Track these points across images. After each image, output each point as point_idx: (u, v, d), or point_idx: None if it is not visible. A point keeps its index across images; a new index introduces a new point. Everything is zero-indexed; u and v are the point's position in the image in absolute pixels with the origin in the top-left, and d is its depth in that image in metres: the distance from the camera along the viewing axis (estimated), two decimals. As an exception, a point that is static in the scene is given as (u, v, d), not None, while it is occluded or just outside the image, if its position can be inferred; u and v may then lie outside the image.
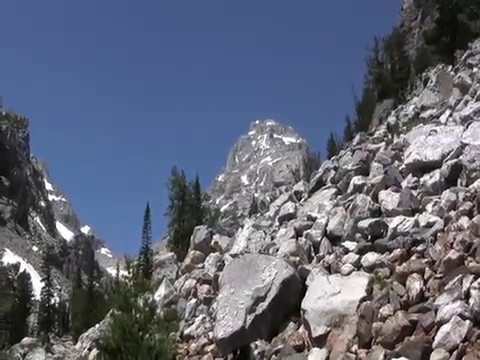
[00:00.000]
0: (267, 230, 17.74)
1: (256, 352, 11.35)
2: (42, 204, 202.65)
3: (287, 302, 11.78)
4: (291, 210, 17.09)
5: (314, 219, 14.49)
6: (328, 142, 41.37)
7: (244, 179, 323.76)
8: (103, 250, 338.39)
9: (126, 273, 19.76)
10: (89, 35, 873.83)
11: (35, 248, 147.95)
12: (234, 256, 16.46)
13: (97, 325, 35.91)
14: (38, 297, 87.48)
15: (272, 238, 16.38)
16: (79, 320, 68.76)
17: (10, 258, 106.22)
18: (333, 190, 16.04)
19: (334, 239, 13.22)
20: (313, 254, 13.26)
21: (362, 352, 9.21)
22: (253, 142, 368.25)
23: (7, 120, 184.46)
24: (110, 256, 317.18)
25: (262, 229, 17.96)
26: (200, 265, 19.86)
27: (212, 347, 12.87)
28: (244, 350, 11.62)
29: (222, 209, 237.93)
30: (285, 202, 18.49)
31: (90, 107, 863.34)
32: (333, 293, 10.52)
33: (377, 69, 40.06)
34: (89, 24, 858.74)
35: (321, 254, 12.92)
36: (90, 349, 30.17)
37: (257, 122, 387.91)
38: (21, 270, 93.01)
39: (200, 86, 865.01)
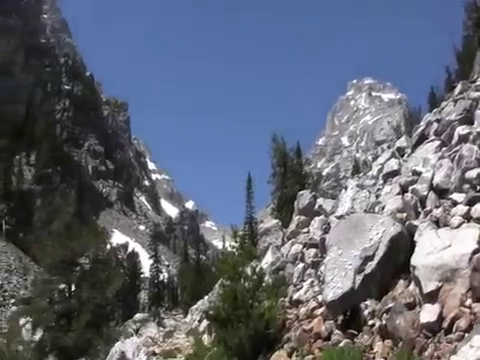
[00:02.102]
0: (371, 189, 17.37)
1: (366, 312, 11.20)
2: (146, 184, 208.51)
3: (396, 260, 11.52)
4: (395, 167, 16.63)
5: (419, 174, 14.04)
6: (429, 95, 40.23)
7: (344, 140, 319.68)
8: (208, 223, 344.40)
9: (233, 243, 19.90)
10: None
11: (142, 227, 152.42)
12: (340, 218, 16.26)
13: (206, 297, 36.59)
14: (147, 274, 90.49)
15: (377, 197, 16.02)
16: (188, 293, 70.52)
17: (119, 238, 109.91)
18: (437, 143, 15.45)
19: (441, 192, 12.77)
20: (420, 209, 12.85)
21: (477, 306, 8.89)
22: (352, 102, 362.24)
23: (108, 105, 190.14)
24: (215, 229, 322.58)
25: (366, 188, 17.62)
26: (305, 230, 19.77)
27: (322, 310, 12.79)
28: (354, 311, 11.50)
29: (324, 172, 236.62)
30: (388, 159, 18.01)
31: (187, 79, 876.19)
32: (443, 247, 10.17)
33: (476, 14, 38.20)
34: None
35: (428, 208, 12.51)
36: (200, 321, 30.81)
37: (355, 81, 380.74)
38: (130, 249, 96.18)
39: (295, 51, 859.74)
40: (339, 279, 11.80)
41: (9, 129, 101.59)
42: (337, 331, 11.54)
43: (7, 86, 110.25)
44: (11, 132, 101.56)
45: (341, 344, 10.80)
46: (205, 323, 25.78)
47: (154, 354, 24.32)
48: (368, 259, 11.63)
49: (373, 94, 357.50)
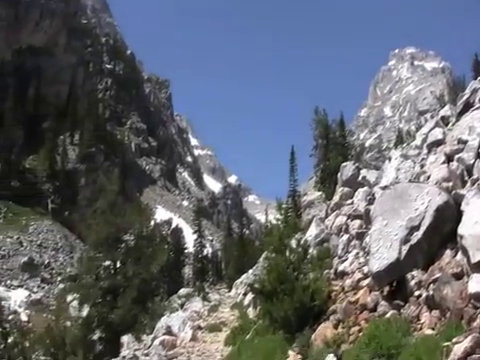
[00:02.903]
0: (416, 159, 17.10)
1: (413, 282, 11.04)
2: (189, 159, 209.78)
3: (442, 229, 11.29)
4: (439, 136, 16.29)
5: (465, 142, 13.70)
6: (473, 62, 39.29)
7: (387, 111, 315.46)
8: (251, 197, 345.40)
9: (278, 216, 19.82)
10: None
11: (185, 203, 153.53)
12: (384, 188, 16.04)
13: (250, 271, 36.77)
14: (191, 249, 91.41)
15: (422, 166, 15.74)
16: (232, 267, 71.08)
17: (162, 214, 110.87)
18: (483, 110, 15.06)
19: (488, 160, 12.47)
20: (466, 178, 12.57)
21: (526, 274, 8.69)
22: (394, 72, 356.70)
23: (149, 83, 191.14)
24: (258, 202, 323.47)
25: (410, 159, 17.36)
26: (349, 201, 19.64)
27: (367, 281, 12.67)
28: (400, 281, 11.35)
29: (367, 144, 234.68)
30: (432, 129, 17.67)
31: (229, 52, 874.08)
32: (491, 216, 9.92)
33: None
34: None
35: (475, 177, 12.22)
36: (245, 294, 30.99)
37: (396, 51, 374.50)
38: (173, 225, 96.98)
39: (337, 22, 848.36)
40: (385, 250, 11.64)
41: (53, 110, 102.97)
42: (383, 302, 11.41)
43: (50, 68, 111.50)
44: (55, 113, 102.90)
45: (387, 315, 10.69)
46: (250, 296, 25.90)
47: (199, 328, 24.55)
48: (414, 229, 11.43)
49: (415, 63, 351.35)
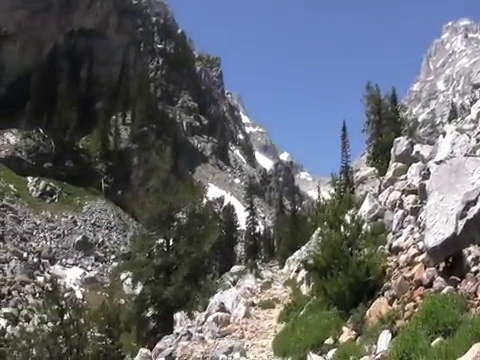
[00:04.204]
0: (471, 133, 16.70)
1: (469, 258, 10.80)
2: (240, 137, 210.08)
3: (501, 204, 11.02)
4: (495, 109, 15.91)
5: (523, 114, 13.35)
6: None
7: (440, 85, 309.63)
8: (302, 174, 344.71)
9: (332, 191, 19.67)
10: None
11: (237, 180, 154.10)
12: (439, 163, 15.71)
13: (303, 247, 36.73)
14: (243, 227, 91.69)
15: (478, 140, 15.38)
16: (284, 244, 71.18)
17: (214, 192, 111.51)
18: None
19: None
20: (525, 150, 12.25)
21: None
22: (447, 45, 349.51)
23: (200, 61, 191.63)
24: (310, 179, 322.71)
25: (465, 132, 16.96)
26: (403, 177, 19.37)
27: (422, 257, 12.46)
28: (457, 257, 11.12)
29: (420, 119, 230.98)
30: (488, 101, 17.26)
31: (279, 27, 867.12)
32: None
33: None
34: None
35: None
36: (297, 271, 30.98)
37: (450, 24, 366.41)
38: (226, 203, 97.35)
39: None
40: (441, 225, 11.41)
41: (105, 91, 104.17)
42: (439, 278, 11.22)
43: (102, 49, 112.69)
44: (107, 94, 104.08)
45: (443, 291, 10.50)
46: (303, 273, 25.88)
47: (253, 305, 24.67)
48: (471, 204, 11.16)
49: (469, 36, 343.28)
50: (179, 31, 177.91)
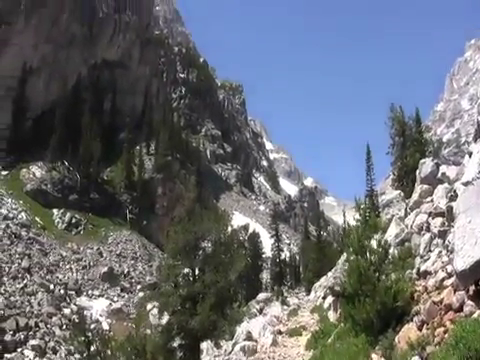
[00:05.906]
0: (498, 152, 16.41)
1: (501, 281, 10.52)
2: (264, 164, 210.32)
3: None
4: (522, 126, 15.61)
5: None
6: None
7: (464, 104, 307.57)
8: (327, 199, 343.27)
9: (357, 216, 19.34)
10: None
11: (262, 207, 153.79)
12: (466, 184, 15.44)
13: (329, 273, 36.33)
14: (269, 253, 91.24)
15: (505, 160, 15.12)
16: (310, 271, 70.59)
17: (239, 220, 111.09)
18: None
19: None
20: None
21: None
22: (471, 63, 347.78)
23: (223, 89, 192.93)
24: (334, 204, 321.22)
25: (492, 152, 16.67)
26: (429, 199, 19.07)
27: (452, 280, 12.16)
28: (487, 280, 10.82)
29: (444, 139, 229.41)
30: (514, 119, 16.95)
31: (299, 50, 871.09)
32: None
33: None
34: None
35: None
36: (324, 297, 30.60)
37: (473, 41, 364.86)
38: (251, 230, 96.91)
39: (407, 16, 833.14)
40: (469, 247, 11.12)
41: (129, 121, 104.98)
42: (469, 302, 10.91)
43: (125, 80, 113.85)
44: (131, 124, 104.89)
45: (474, 315, 10.20)
46: (330, 299, 25.54)
47: (280, 332, 24.39)
48: (500, 225, 10.90)
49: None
50: (201, 60, 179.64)
